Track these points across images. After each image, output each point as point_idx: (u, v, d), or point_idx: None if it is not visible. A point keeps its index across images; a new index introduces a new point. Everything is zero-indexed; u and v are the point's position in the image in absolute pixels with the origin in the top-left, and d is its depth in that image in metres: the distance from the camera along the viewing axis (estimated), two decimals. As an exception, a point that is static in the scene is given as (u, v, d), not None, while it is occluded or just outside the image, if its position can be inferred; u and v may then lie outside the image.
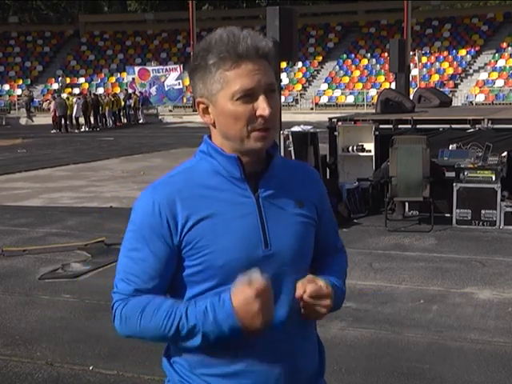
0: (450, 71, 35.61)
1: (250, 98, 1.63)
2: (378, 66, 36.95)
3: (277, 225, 1.72)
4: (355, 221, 9.05)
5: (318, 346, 1.90)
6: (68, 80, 41.19)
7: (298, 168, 1.88)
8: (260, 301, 1.56)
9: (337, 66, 38.18)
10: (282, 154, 9.33)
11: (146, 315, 1.65)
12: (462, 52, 36.77)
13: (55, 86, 40.68)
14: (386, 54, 33.23)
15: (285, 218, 1.74)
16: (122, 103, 33.07)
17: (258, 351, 1.71)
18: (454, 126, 9.67)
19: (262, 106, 1.63)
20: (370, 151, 9.93)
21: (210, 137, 1.76)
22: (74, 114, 29.89)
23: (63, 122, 29.34)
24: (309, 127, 10.05)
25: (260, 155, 1.72)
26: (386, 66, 28.22)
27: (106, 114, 31.90)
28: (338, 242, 1.99)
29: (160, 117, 35.41)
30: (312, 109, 33.77)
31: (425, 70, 35.33)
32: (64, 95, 33.53)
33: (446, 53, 37.00)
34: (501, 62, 35.03)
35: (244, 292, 1.56)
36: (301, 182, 1.81)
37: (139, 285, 1.69)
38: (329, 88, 36.33)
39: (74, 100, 30.50)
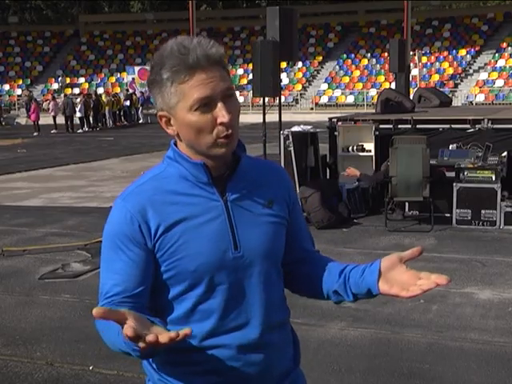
0: (450, 71, 35.61)
1: (208, 106, 1.64)
2: (378, 65, 36.94)
3: (246, 226, 1.75)
4: (355, 221, 9.05)
5: (292, 336, 1.93)
6: (68, 80, 41.20)
7: (266, 167, 1.89)
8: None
9: (337, 66, 38.17)
10: (282, 154, 9.34)
11: (107, 330, 1.63)
12: (462, 52, 36.77)
13: (55, 85, 40.70)
14: (386, 54, 33.24)
15: (253, 219, 1.77)
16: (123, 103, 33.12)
17: (233, 349, 1.74)
18: (453, 125, 9.66)
19: (221, 114, 1.64)
20: (370, 151, 9.92)
21: (175, 142, 1.78)
22: (77, 114, 29.92)
23: (69, 122, 29.37)
24: (309, 127, 10.04)
25: (226, 159, 1.74)
26: (386, 65, 28.20)
27: (106, 114, 31.90)
28: (311, 242, 1.99)
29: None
30: (312, 109, 33.77)
31: (425, 70, 35.33)
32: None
33: (446, 53, 37.00)
34: (501, 62, 35.03)
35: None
36: (269, 181, 1.84)
37: (123, 294, 1.69)
38: (329, 88, 36.32)
39: (78, 100, 30.53)
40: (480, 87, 33.43)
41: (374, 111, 13.10)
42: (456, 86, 34.33)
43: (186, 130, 1.68)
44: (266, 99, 10.15)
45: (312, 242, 1.99)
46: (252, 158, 1.87)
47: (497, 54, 35.63)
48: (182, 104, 1.65)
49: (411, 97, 13.79)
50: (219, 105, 1.65)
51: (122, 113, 33.38)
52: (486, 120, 9.46)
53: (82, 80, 41.18)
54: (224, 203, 1.73)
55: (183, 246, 1.69)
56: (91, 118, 30.75)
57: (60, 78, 40.74)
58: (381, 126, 9.87)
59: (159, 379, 1.79)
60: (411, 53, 29.04)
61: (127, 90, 34.69)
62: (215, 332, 1.73)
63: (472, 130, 9.51)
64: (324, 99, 35.38)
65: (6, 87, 41.37)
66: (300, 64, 37.84)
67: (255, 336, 1.76)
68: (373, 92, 33.21)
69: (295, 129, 9.76)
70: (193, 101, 1.63)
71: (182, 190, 1.72)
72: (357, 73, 36.81)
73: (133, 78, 36.61)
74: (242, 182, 1.77)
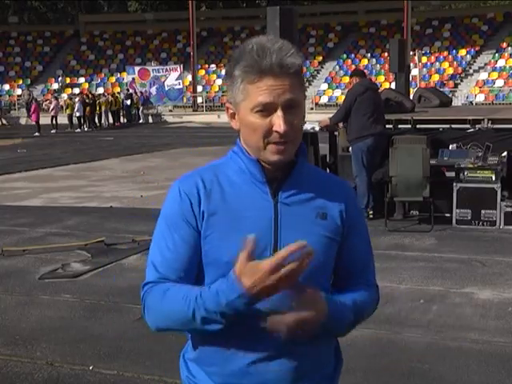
0: (450, 71, 35.63)
1: (268, 112, 1.67)
2: (378, 65, 36.96)
3: (292, 232, 1.71)
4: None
5: (335, 355, 2.01)
6: (68, 80, 41.22)
7: (328, 179, 1.88)
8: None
9: (337, 66, 38.20)
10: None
11: (167, 299, 1.68)
12: (462, 52, 36.79)
13: (55, 85, 40.71)
14: (385, 54, 33.25)
15: (302, 226, 1.74)
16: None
17: (265, 353, 1.73)
18: (453, 126, 9.65)
19: (277, 122, 1.66)
20: (370, 151, 9.89)
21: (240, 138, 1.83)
22: (75, 114, 29.98)
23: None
24: (311, 126, 10.02)
25: (279, 165, 1.73)
26: (386, 65, 28.21)
27: (103, 114, 31.91)
28: (369, 273, 1.97)
29: (162, 116, 35.46)
30: (312, 109, 33.79)
31: (425, 69, 35.34)
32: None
33: (446, 53, 37.02)
34: (501, 62, 35.05)
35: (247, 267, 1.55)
36: (328, 194, 1.79)
37: (171, 273, 1.72)
38: (329, 88, 36.34)
39: (77, 100, 30.56)
40: (480, 87, 33.44)
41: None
42: (456, 86, 34.35)
43: (244, 128, 1.73)
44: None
45: (369, 274, 1.96)
46: (317, 168, 1.89)
47: (497, 54, 35.64)
48: (246, 103, 1.69)
49: (411, 97, 13.78)
50: (279, 113, 1.66)
51: (121, 112, 33.40)
52: (485, 120, 9.46)
53: (82, 80, 41.21)
54: (274, 204, 1.73)
55: (222, 234, 1.71)
56: (90, 118, 30.84)
57: (60, 78, 40.77)
58: (381, 126, 9.83)
59: (187, 376, 1.82)
60: (411, 53, 29.07)
61: (127, 90, 34.73)
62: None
63: (472, 129, 9.51)
64: (324, 99, 35.40)
65: (6, 87, 41.38)
66: (300, 64, 37.82)
67: (293, 342, 1.70)
68: (373, 92, 33.18)
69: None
70: (255, 103, 1.67)
71: (237, 182, 1.76)
72: (357, 73, 36.79)
73: (133, 78, 36.62)
74: (297, 187, 1.75)
